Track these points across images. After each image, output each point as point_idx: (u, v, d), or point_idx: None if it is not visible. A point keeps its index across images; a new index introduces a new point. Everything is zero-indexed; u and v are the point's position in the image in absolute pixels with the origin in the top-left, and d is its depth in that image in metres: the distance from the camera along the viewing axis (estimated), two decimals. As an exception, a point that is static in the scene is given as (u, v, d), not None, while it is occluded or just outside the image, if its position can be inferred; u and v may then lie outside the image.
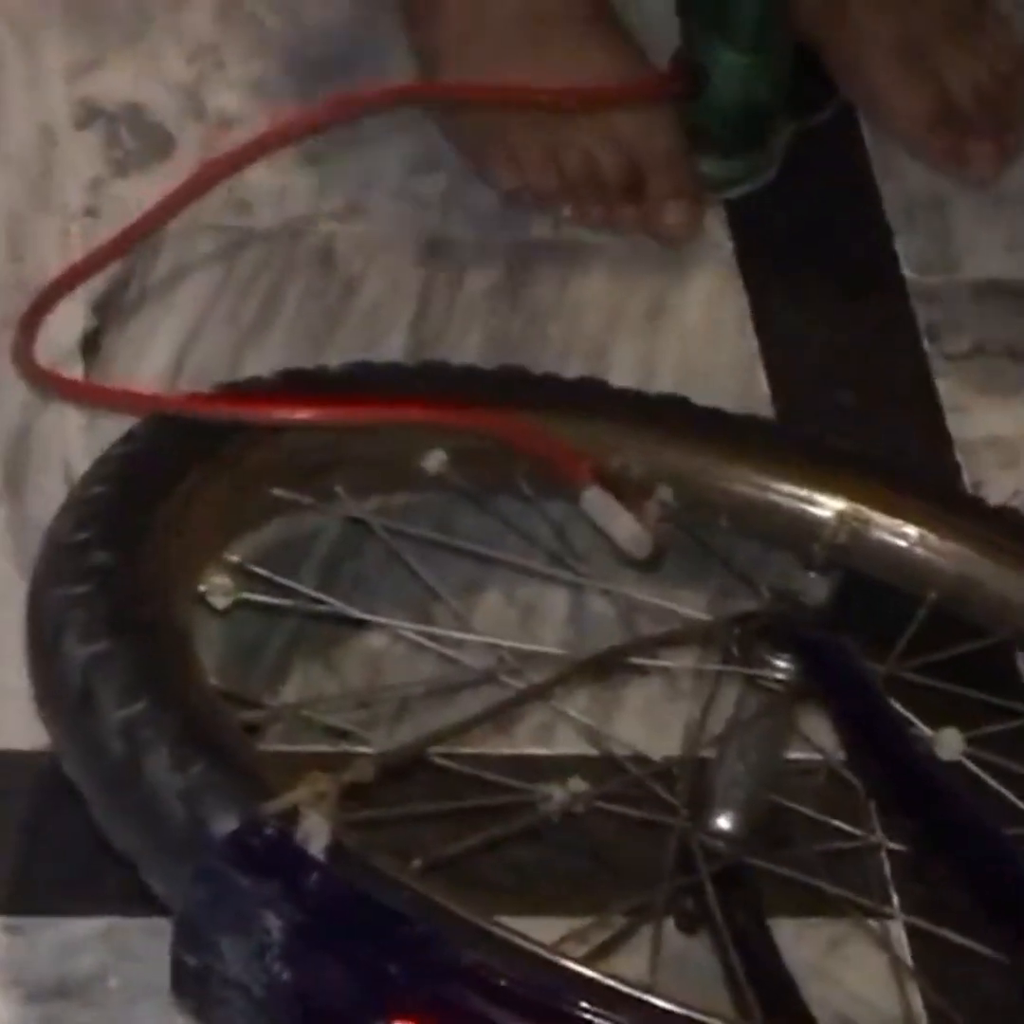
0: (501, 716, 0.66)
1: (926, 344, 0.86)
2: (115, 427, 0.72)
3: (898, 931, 0.64)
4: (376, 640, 0.70)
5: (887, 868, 0.65)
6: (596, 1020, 0.47)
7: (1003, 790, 0.64)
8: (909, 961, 0.63)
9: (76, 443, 0.76)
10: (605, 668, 0.67)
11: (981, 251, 0.91)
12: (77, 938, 0.65)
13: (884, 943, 0.61)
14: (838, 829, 0.64)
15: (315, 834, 0.51)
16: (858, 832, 0.64)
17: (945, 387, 0.84)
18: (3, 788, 0.69)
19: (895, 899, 0.65)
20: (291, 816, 0.51)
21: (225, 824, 0.52)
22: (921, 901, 0.64)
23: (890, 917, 0.63)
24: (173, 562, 0.64)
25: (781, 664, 0.63)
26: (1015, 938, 0.58)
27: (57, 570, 0.64)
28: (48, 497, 0.73)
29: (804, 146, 0.91)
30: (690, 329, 0.84)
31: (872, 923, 0.62)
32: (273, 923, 0.51)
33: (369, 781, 0.53)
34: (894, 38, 0.90)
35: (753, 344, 0.85)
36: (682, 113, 0.88)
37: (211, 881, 0.53)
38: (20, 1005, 0.65)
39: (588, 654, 0.67)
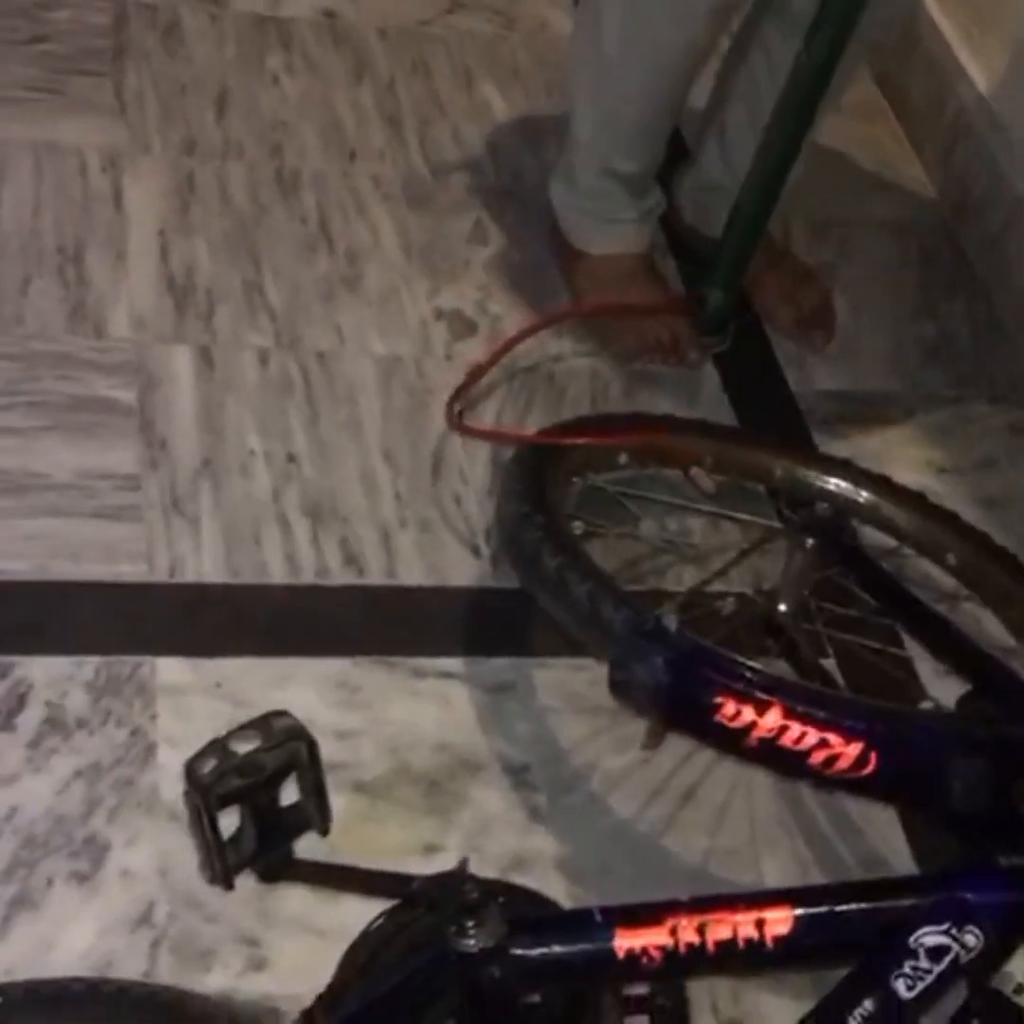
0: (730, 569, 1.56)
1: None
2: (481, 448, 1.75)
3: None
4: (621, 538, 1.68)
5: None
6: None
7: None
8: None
9: (464, 456, 1.75)
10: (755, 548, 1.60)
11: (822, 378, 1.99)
12: (506, 666, 1.57)
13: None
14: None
15: (670, 622, 1.23)
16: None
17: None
18: (449, 606, 1.61)
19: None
20: (659, 616, 1.24)
21: (623, 620, 1.32)
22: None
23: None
24: (559, 515, 1.47)
25: (810, 542, 1.50)
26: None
27: (522, 526, 1.44)
28: (454, 485, 1.71)
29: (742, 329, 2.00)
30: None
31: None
32: (656, 658, 1.21)
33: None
34: (778, 288, 2.01)
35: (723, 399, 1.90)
36: (693, 316, 1.97)
37: (627, 643, 1.26)
38: (481, 693, 1.53)
39: (749, 543, 1.61)
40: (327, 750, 1.42)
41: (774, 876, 1.44)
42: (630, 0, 1.75)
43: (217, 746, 1.14)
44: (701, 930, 1.14)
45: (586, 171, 1.91)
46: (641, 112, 1.85)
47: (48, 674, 1.45)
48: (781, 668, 1.51)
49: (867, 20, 1.73)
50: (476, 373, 1.79)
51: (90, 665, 1.46)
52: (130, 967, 1.27)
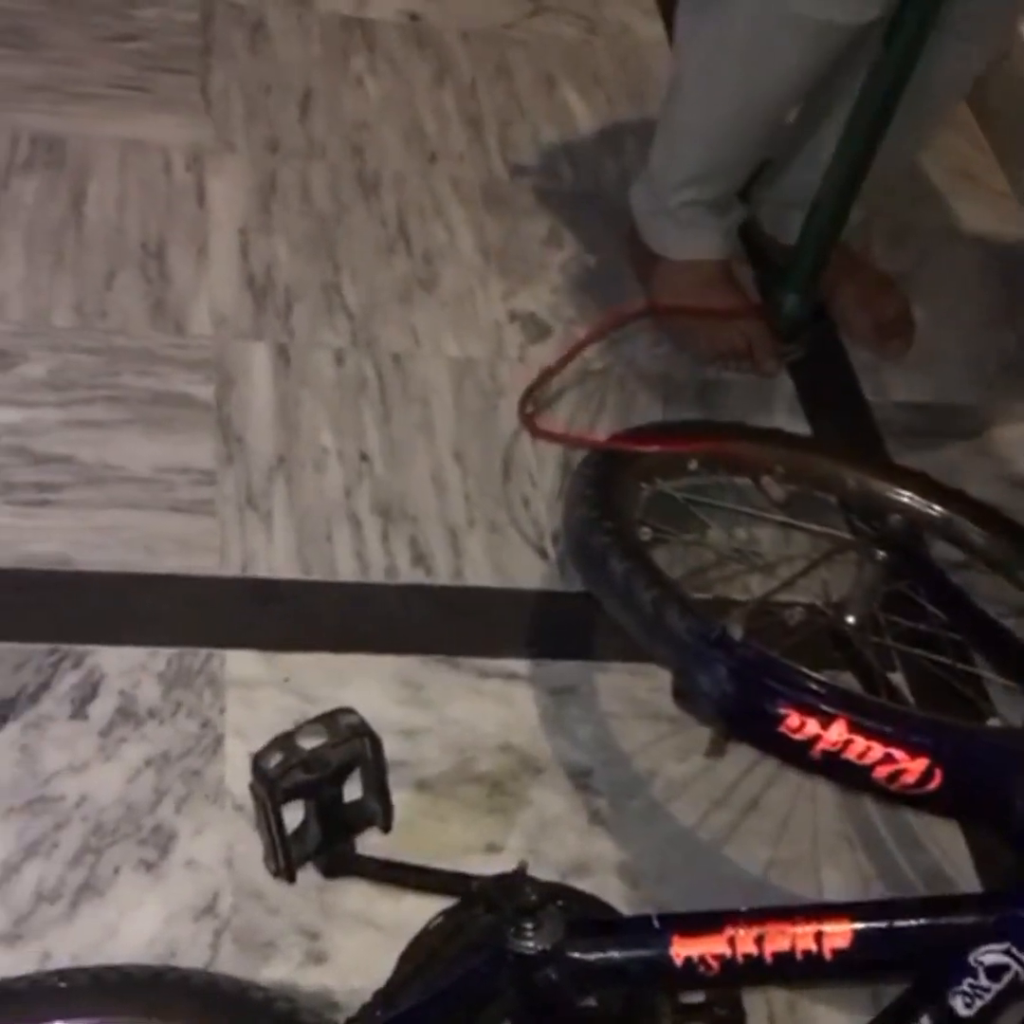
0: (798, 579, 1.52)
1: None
2: (551, 450, 1.77)
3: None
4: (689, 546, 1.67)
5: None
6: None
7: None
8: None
9: (534, 458, 1.78)
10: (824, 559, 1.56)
11: (894, 388, 1.99)
12: (570, 669, 1.58)
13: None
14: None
15: (735, 632, 1.27)
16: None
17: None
18: (515, 607, 1.62)
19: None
20: (725, 625, 1.28)
21: (688, 627, 1.31)
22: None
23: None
24: (627, 521, 1.49)
25: (882, 555, 1.50)
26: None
27: (590, 530, 1.44)
28: (523, 487, 1.73)
29: (818, 338, 2.00)
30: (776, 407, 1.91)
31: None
32: (721, 668, 1.26)
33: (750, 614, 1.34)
34: (855, 296, 2.01)
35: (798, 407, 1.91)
36: (770, 323, 1.97)
37: (692, 651, 1.29)
38: (544, 695, 1.55)
39: (818, 554, 1.57)
40: (391, 748, 1.44)
41: (834, 889, 1.44)
42: (750, 26, 1.71)
43: (283, 741, 1.16)
44: (759, 940, 1.14)
45: (669, 189, 1.91)
46: (735, 143, 1.85)
47: (121, 664, 1.47)
48: (847, 681, 1.51)
49: (958, 28, 1.73)
50: (548, 373, 1.80)
51: (162, 656, 1.48)
52: (193, 956, 1.29)
